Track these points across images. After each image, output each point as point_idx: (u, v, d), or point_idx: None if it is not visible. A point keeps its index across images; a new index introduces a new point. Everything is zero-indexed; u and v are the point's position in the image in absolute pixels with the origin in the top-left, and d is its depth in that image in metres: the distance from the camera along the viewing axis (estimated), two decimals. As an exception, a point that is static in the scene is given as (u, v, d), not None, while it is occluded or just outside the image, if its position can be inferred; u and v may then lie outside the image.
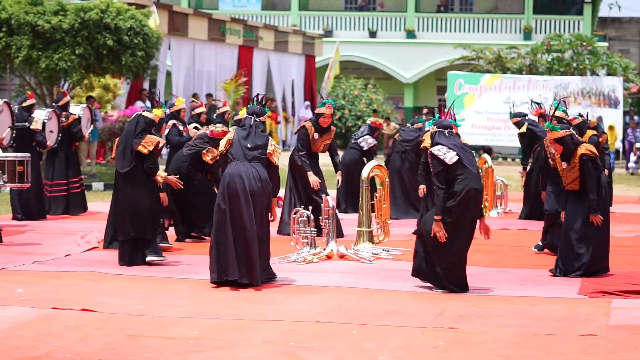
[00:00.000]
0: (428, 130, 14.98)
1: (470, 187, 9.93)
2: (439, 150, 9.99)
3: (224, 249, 10.09)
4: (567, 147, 10.97)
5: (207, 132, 13.49)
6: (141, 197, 11.36)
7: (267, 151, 10.33)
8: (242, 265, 10.07)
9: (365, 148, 17.49)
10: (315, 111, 13.96)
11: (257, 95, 11.04)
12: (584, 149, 10.96)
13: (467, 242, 10.11)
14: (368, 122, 18.13)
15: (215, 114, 16.81)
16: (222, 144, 10.47)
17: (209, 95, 30.84)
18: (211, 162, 13.25)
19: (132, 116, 11.85)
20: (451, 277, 10.07)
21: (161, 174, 11.43)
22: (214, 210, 10.29)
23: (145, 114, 11.58)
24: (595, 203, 10.89)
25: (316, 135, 13.75)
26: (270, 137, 10.54)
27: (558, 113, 12.11)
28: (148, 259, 11.37)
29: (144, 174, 11.35)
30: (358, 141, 17.61)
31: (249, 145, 10.29)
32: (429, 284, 10.24)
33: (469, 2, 46.85)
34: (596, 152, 11.04)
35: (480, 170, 10.33)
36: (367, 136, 17.58)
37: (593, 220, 10.91)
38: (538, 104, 15.59)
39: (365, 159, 17.12)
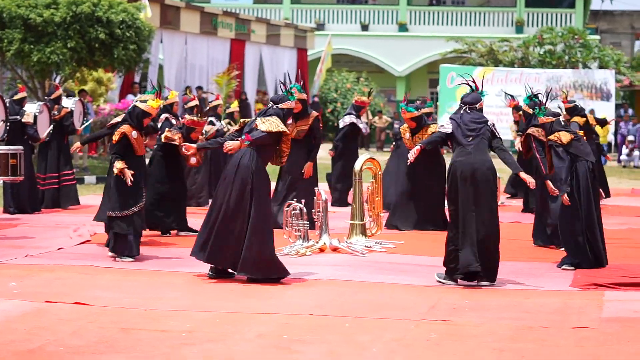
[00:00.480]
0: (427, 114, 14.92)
1: (455, 161, 9.97)
2: (442, 122, 10.37)
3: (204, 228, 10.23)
4: (547, 132, 11.38)
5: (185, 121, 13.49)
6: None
7: (255, 123, 10.22)
8: (207, 244, 10.08)
9: (340, 126, 17.29)
10: None
11: (281, 82, 10.86)
12: (553, 135, 11.23)
13: (476, 224, 9.88)
14: (352, 101, 17.89)
15: (206, 107, 16.71)
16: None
17: (199, 88, 30.80)
18: (164, 140, 13.14)
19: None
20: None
21: (117, 165, 11.18)
22: None
23: (139, 104, 11.47)
24: (560, 183, 10.99)
25: (289, 120, 13.54)
26: (275, 117, 10.18)
27: (524, 107, 12.63)
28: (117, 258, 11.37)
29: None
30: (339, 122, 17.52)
31: (246, 132, 10.28)
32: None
33: (460, -5, 46.88)
34: (562, 140, 11.18)
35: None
36: (347, 115, 17.28)
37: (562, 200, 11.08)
38: (512, 96, 15.74)
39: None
